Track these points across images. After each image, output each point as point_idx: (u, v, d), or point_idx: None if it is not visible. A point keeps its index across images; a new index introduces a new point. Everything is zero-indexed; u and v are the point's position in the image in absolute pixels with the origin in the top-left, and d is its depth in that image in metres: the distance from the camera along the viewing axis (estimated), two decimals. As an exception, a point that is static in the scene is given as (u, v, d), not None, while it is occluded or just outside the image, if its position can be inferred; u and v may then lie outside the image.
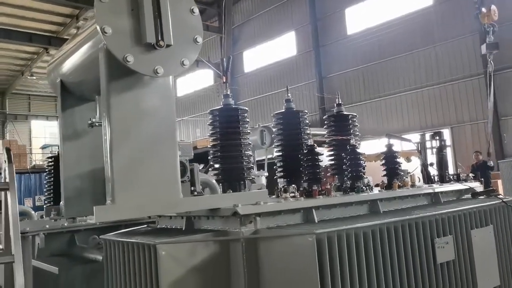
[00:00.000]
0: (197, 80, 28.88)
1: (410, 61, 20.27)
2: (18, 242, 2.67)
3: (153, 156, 2.45)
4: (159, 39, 2.31)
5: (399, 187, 3.72)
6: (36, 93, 33.32)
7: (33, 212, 5.03)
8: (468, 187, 4.01)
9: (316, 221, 2.91)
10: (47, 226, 4.24)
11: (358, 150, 3.60)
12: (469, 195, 4.09)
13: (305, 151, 3.51)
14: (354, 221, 2.82)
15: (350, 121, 4.10)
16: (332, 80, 23.61)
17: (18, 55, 27.57)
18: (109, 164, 2.32)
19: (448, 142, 19.83)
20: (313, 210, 2.94)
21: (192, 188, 2.97)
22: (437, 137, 13.13)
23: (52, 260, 3.93)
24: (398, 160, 3.91)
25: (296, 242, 2.46)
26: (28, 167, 20.44)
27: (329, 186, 3.32)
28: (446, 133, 19.93)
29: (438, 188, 3.84)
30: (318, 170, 3.34)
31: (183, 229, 3.01)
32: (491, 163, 9.97)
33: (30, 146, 30.32)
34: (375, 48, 21.18)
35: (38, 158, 26.31)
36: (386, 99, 21.56)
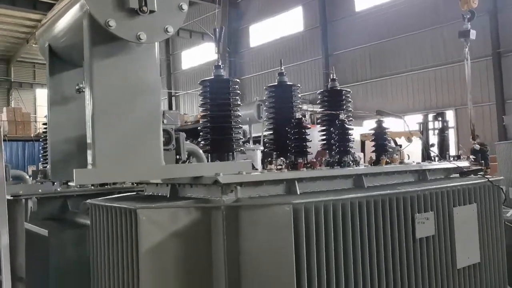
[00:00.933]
0: (202, 54, 28.69)
1: (418, 41, 20.02)
2: (3, 204, 2.73)
3: (135, 123, 2.48)
4: (143, 4, 2.31)
5: (387, 163, 3.74)
6: (41, 62, 33.13)
7: (27, 176, 5.12)
8: (456, 166, 4.01)
9: (298, 193, 2.94)
10: (39, 190, 4.33)
11: (348, 126, 3.60)
12: (457, 174, 4.10)
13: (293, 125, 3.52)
14: (335, 194, 2.85)
15: (344, 96, 4.09)
16: (338, 57, 23.40)
17: (23, 23, 27.43)
18: (91, 128, 2.35)
19: (452, 123, 19.75)
20: (296, 182, 2.97)
21: (178, 157, 3.01)
22: (440, 118, 13.12)
23: (44, 223, 4.03)
24: (387, 136, 3.91)
25: (273, 212, 2.50)
26: (32, 135, 20.62)
27: (314, 160, 3.35)
28: (450, 115, 19.83)
29: (425, 165, 3.85)
30: (304, 144, 3.35)
31: (168, 196, 3.06)
32: (477, 147, 10.16)
33: (35, 114, 30.42)
34: (383, 26, 20.89)
35: (42, 126, 26.46)
36: (392, 78, 21.41)
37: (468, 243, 3.38)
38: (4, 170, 4.39)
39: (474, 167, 4.20)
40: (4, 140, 21.68)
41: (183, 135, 3.03)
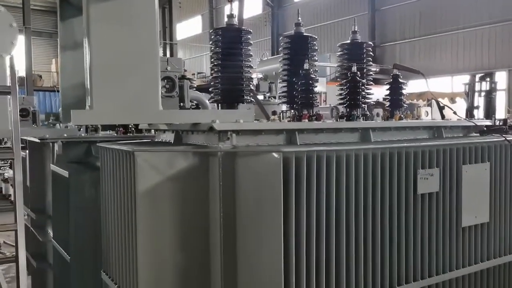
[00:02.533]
0: (245, 9, 28.17)
1: (473, -4, 18.78)
2: (18, 142, 2.91)
3: (133, 66, 2.53)
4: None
5: (400, 119, 3.65)
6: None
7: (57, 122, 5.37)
8: (476, 124, 3.84)
9: (298, 144, 2.94)
10: (65, 135, 4.56)
11: (359, 79, 3.51)
12: (477, 133, 3.94)
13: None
14: (331, 146, 2.83)
15: (365, 50, 3.93)
16: (385, 13, 22.41)
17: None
18: (88, 70, 2.43)
19: (504, 85, 18.69)
20: (297, 132, 2.96)
21: (181, 104, 3.06)
22: (488, 79, 12.80)
23: (68, 166, 4.26)
24: (403, 91, 3.78)
25: (264, 159, 2.52)
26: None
27: (320, 113, 3.31)
28: (503, 76, 18.75)
29: (440, 122, 3.72)
30: (310, 95, 3.31)
31: (172, 142, 3.15)
32: None
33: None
34: (436, -21, 19.72)
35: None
36: (442, 36, 20.39)
37: (476, 203, 3.29)
38: (33, 114, 4.65)
39: (497, 126, 4.01)
40: (53, 91, 22.67)
41: (187, 82, 3.06)
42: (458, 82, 17.40)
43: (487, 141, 3.38)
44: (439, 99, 7.39)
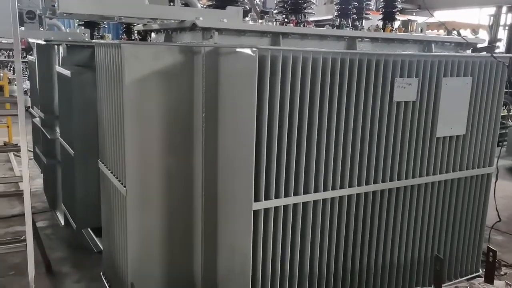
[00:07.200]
0: None
1: None
2: (21, 94, 3.05)
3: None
4: None
5: (391, 31, 3.68)
6: None
7: (63, 27, 5.51)
8: (468, 42, 3.85)
9: (281, 46, 3.04)
10: (69, 38, 4.72)
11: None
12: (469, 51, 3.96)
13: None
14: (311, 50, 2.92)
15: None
16: None
17: None
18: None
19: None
20: (281, 36, 3.06)
21: (171, 4, 3.15)
22: None
23: (72, 68, 4.45)
24: (396, 4, 3.78)
25: (243, 57, 2.63)
26: None
27: (309, 20, 3.37)
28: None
29: (431, 37, 3.74)
30: (300, 1, 3.35)
31: (163, 41, 3.29)
32: None
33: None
34: None
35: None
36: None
37: (454, 115, 3.40)
38: (39, 17, 4.79)
39: (489, 45, 4.01)
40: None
41: (177, -18, 3.14)
42: (483, 14, 16.68)
43: (473, 56, 3.41)
44: (461, 30, 7.24)
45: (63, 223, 4.97)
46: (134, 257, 2.99)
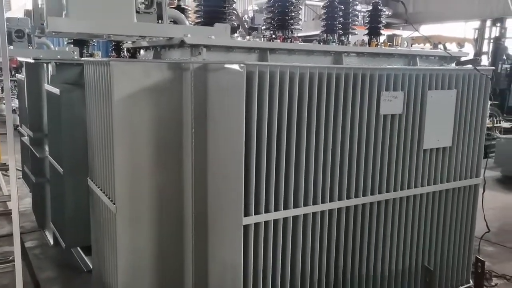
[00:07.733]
0: None
1: None
2: (10, 112, 3.05)
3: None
4: None
5: (377, 45, 3.75)
6: None
7: (52, 45, 5.52)
8: (451, 56, 3.93)
9: (269, 62, 3.09)
10: (58, 56, 4.73)
11: (336, 3, 3.59)
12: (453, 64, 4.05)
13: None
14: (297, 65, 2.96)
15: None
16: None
17: None
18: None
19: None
20: (268, 52, 3.10)
21: (160, 21, 3.18)
22: (499, 24, 12.71)
23: (61, 86, 4.46)
24: (381, 19, 3.86)
25: (231, 73, 2.66)
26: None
27: (296, 36, 3.42)
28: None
29: (416, 51, 3.82)
30: (286, 17, 3.41)
31: (151, 58, 3.32)
32: None
33: None
34: None
35: None
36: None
37: (440, 127, 3.45)
38: (28, 36, 4.80)
39: (473, 58, 4.10)
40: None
41: (165, 0, 3.17)
42: (470, 28, 17.04)
43: (455, 69, 3.49)
44: (446, 43, 7.40)
45: (52, 243, 4.92)
46: (124, 275, 2.96)
